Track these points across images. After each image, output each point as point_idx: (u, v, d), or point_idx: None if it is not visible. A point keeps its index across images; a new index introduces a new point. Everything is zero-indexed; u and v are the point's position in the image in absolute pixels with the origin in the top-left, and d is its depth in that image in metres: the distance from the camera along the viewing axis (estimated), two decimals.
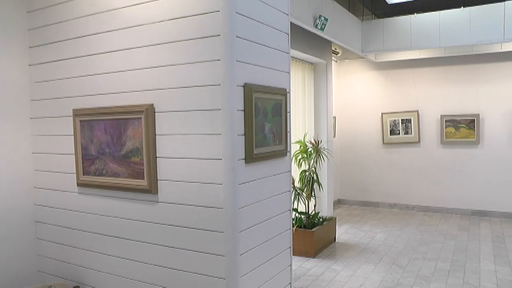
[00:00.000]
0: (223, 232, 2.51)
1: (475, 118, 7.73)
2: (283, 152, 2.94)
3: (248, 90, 2.54)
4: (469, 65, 7.81)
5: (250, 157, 2.57)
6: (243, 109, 2.53)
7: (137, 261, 2.88)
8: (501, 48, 7.23)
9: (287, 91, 2.98)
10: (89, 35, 2.97)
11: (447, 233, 6.68)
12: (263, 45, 2.72)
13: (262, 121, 2.68)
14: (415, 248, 5.89)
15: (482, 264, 5.25)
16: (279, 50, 2.90)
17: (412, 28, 7.07)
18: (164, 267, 2.76)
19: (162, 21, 2.64)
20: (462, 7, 6.72)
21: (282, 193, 3.01)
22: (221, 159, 2.48)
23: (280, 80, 2.92)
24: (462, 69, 7.87)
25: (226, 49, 2.43)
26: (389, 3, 6.49)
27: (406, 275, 4.91)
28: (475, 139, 7.75)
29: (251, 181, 2.63)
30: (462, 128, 7.83)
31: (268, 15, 2.79)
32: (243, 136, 2.54)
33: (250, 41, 2.59)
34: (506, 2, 6.41)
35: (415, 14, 7.06)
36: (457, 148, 7.94)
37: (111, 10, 2.85)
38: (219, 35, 2.44)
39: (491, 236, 6.46)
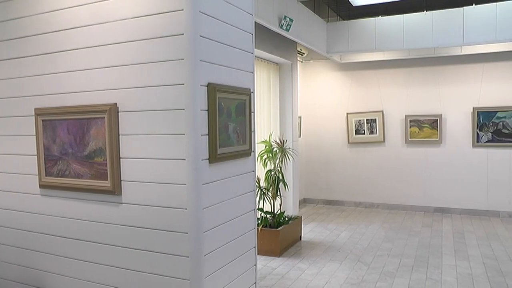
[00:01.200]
0: (187, 232, 2.49)
1: (438, 118, 7.96)
2: (247, 152, 2.94)
3: (212, 89, 2.53)
4: (432, 67, 8.04)
5: (213, 157, 2.56)
6: (206, 108, 2.52)
7: (101, 264, 2.83)
8: (461, 51, 7.48)
9: (251, 91, 2.99)
10: (51, 32, 2.89)
11: (411, 229, 6.85)
12: (227, 44, 2.72)
13: (226, 121, 2.67)
14: (379, 245, 6.00)
15: (443, 259, 5.41)
16: (243, 50, 2.90)
17: (377, 30, 7.21)
18: (128, 269, 2.72)
19: (125, 19, 2.60)
20: (424, 11, 6.91)
21: (246, 192, 3.02)
22: (184, 159, 2.47)
23: (244, 80, 2.92)
24: (425, 71, 8.09)
25: (189, 48, 2.41)
26: (354, 5, 6.59)
27: (371, 271, 5.00)
28: (438, 138, 7.99)
29: (215, 181, 2.63)
30: (426, 127, 8.04)
31: (232, 15, 2.78)
32: (207, 136, 2.53)
33: (214, 40, 2.58)
34: (465, 8, 6.65)
35: (380, 16, 7.21)
36: (421, 147, 8.15)
37: (74, 6, 2.78)
38: (183, 34, 2.42)
39: (452, 232, 6.67)
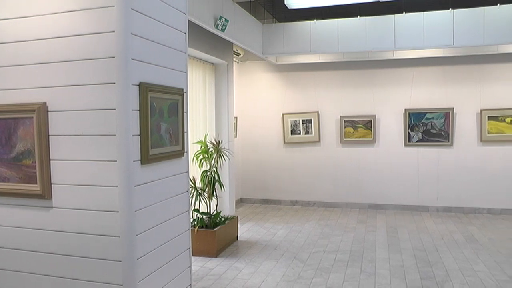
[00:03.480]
0: (119, 236, 2.42)
1: (371, 119, 8.30)
2: (180, 153, 2.91)
3: (144, 89, 2.48)
4: (366, 70, 8.36)
5: (145, 158, 2.51)
6: (138, 108, 2.46)
7: (31, 273, 2.67)
8: (393, 55, 7.86)
9: (184, 91, 2.96)
10: None
11: (346, 226, 7.08)
12: (160, 43, 2.68)
13: (158, 121, 2.63)
14: (315, 242, 6.15)
15: (377, 253, 5.65)
16: (176, 49, 2.87)
17: (312, 33, 7.39)
18: (60, 277, 2.59)
19: (55, 13, 2.48)
20: (358, 16, 7.18)
21: (180, 194, 2.98)
22: (115, 160, 2.40)
23: (177, 80, 2.88)
24: (360, 74, 8.41)
25: (120, 46, 2.35)
26: (289, 8, 6.70)
27: (307, 268, 5.12)
28: (372, 138, 8.33)
29: (147, 182, 2.57)
30: (360, 128, 8.36)
31: (165, 13, 2.74)
32: (139, 137, 2.47)
33: (146, 39, 2.53)
34: (396, 15, 7.01)
35: (315, 20, 7.39)
36: (355, 146, 8.45)
37: None
38: (114, 31, 2.35)
39: (386, 227, 6.98)
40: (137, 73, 2.46)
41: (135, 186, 2.44)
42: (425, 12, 6.91)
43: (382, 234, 6.57)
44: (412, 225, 7.10)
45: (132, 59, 2.40)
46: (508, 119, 7.74)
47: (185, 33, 2.99)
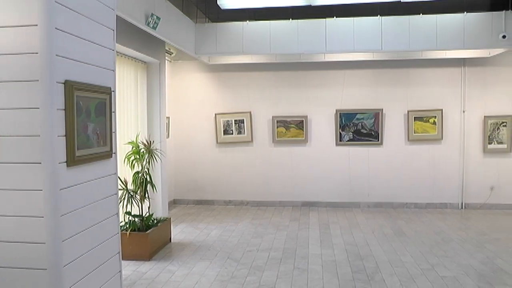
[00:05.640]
0: (44, 243, 2.30)
1: (303, 119, 8.48)
2: (108, 154, 2.81)
3: (69, 87, 2.37)
4: (298, 71, 8.53)
5: (72, 160, 2.40)
6: (63, 108, 2.35)
7: None
8: (324, 58, 8.08)
9: (112, 89, 2.86)
10: None
11: (280, 224, 7.18)
12: (86, 40, 2.57)
13: (85, 121, 2.52)
14: (249, 241, 6.19)
15: (310, 249, 5.78)
16: (103, 46, 2.76)
17: (244, 34, 7.43)
18: None
19: None
20: (290, 19, 7.31)
21: (108, 196, 2.88)
22: (40, 163, 2.28)
23: (104, 78, 2.78)
24: (292, 75, 8.56)
25: (44, 41, 2.23)
26: (222, 8, 6.69)
27: (241, 267, 5.13)
28: (303, 138, 8.51)
29: (74, 185, 2.46)
30: (292, 128, 8.51)
31: (92, 8, 2.64)
32: (64, 137, 2.36)
33: (72, 34, 2.42)
34: (327, 19, 7.23)
35: (247, 21, 7.43)
36: (288, 146, 8.60)
37: None
38: (37, 25, 2.23)
39: (318, 224, 7.16)
40: (62, 71, 2.34)
41: (60, 189, 2.33)
42: (355, 18, 7.21)
43: (314, 231, 6.74)
44: (344, 221, 7.35)
45: (57, 55, 2.29)
46: (431, 120, 8.24)
47: (113, 29, 2.89)
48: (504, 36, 6.82)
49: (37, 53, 2.24)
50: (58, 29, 2.29)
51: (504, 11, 6.92)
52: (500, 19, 6.92)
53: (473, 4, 7.01)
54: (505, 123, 8.05)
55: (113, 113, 2.87)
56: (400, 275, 4.78)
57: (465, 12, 6.99)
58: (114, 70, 2.91)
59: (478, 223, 7.12)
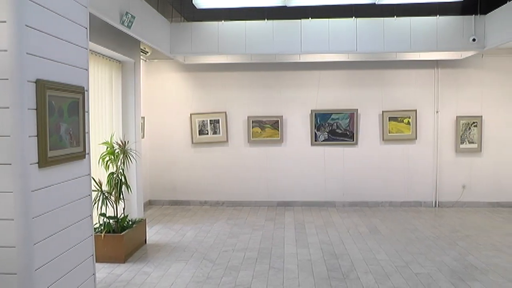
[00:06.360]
0: (14, 246, 2.23)
1: (279, 119, 8.50)
2: (82, 154, 2.76)
3: (41, 86, 2.31)
4: (274, 72, 8.55)
5: (44, 161, 2.34)
6: (35, 107, 2.30)
7: None
8: (299, 59, 8.11)
9: (86, 89, 2.80)
10: None
11: (255, 224, 7.18)
12: (58, 37, 2.51)
13: (58, 121, 2.47)
14: (224, 241, 6.16)
15: (286, 249, 5.79)
16: (76, 44, 2.71)
17: (220, 34, 7.40)
18: None
19: None
20: (265, 20, 7.31)
21: (82, 198, 2.82)
22: (10, 164, 2.22)
23: (77, 77, 2.72)
24: (268, 75, 8.57)
25: (14, 39, 2.17)
26: (197, 7, 6.65)
27: (216, 267, 5.10)
28: (279, 138, 8.53)
29: (46, 187, 2.40)
30: (268, 128, 8.52)
31: (64, 5, 2.58)
32: (36, 138, 2.30)
33: (43, 32, 2.36)
34: (302, 20, 7.26)
35: (223, 21, 7.40)
36: (263, 146, 8.60)
37: None
38: (5, 21, 2.17)
39: (294, 224, 7.19)
40: (34, 69, 2.29)
41: (32, 191, 2.28)
42: (330, 19, 7.28)
43: (290, 231, 6.76)
44: (319, 220, 7.39)
45: (28, 53, 2.23)
46: (406, 120, 8.38)
47: (86, 28, 2.83)
48: (474, 39, 7.01)
49: (6, 50, 2.18)
50: (28, 26, 2.23)
51: (474, 16, 7.11)
52: (471, 23, 7.11)
53: (445, 7, 7.16)
54: (475, 123, 8.25)
55: (86, 113, 2.81)
56: (375, 273, 4.84)
57: (438, 16, 7.14)
58: (87, 69, 2.86)
59: (451, 221, 7.27)
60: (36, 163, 2.31)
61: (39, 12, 2.33)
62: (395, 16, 7.17)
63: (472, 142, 8.30)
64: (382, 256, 5.45)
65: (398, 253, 5.55)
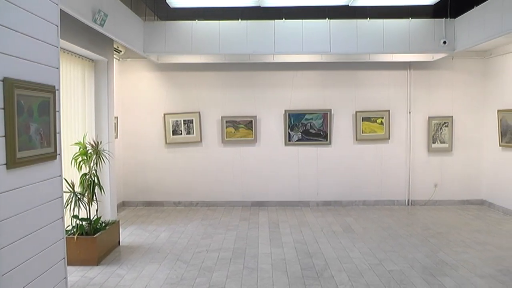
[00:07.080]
0: None
1: (252, 119, 8.49)
2: (53, 155, 2.69)
3: (9, 85, 2.24)
4: (248, 72, 8.55)
5: (12, 162, 2.28)
6: (3, 107, 2.23)
7: None
8: (273, 59, 8.12)
9: (56, 88, 2.74)
10: None
11: (229, 224, 7.16)
12: (27, 35, 2.44)
13: (27, 121, 2.40)
14: (198, 242, 6.13)
15: (260, 249, 5.80)
16: (46, 42, 2.64)
17: (194, 34, 7.35)
18: None
19: None
20: (239, 20, 7.30)
21: (53, 200, 2.76)
22: None
23: (47, 76, 2.66)
24: (241, 75, 8.56)
25: None
26: (171, 6, 6.59)
27: (190, 268, 5.07)
28: (253, 138, 8.52)
29: (14, 189, 2.33)
30: (241, 128, 8.51)
31: (33, 2, 2.51)
32: (4, 138, 2.24)
33: (11, 29, 2.29)
34: (276, 21, 7.30)
35: (197, 21, 7.36)
36: (237, 146, 8.59)
37: None
38: None
39: (268, 223, 7.20)
40: (1, 67, 2.22)
41: (0, 193, 2.20)
42: (303, 20, 7.33)
43: (264, 230, 6.77)
44: (293, 220, 7.43)
45: None
46: (379, 120, 8.50)
47: (57, 25, 2.77)
48: (444, 42, 7.18)
49: None
50: None
51: (444, 19, 7.27)
52: (441, 26, 7.27)
53: (417, 10, 7.30)
54: (447, 124, 8.44)
55: (57, 113, 2.74)
56: (349, 271, 4.89)
57: (410, 18, 7.27)
58: (58, 68, 2.79)
59: (423, 219, 7.41)
60: (4, 164, 2.24)
61: (6, 8, 2.26)
62: (368, 18, 7.27)
63: (443, 142, 8.48)
64: (355, 254, 5.51)
65: (372, 251, 5.63)
